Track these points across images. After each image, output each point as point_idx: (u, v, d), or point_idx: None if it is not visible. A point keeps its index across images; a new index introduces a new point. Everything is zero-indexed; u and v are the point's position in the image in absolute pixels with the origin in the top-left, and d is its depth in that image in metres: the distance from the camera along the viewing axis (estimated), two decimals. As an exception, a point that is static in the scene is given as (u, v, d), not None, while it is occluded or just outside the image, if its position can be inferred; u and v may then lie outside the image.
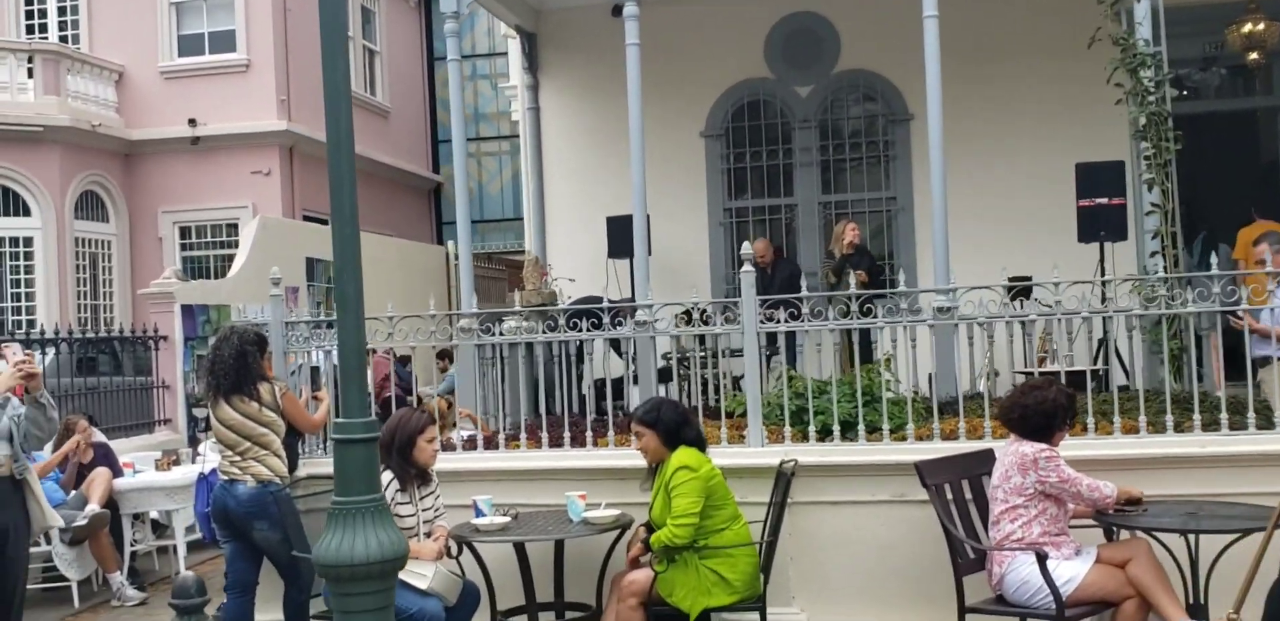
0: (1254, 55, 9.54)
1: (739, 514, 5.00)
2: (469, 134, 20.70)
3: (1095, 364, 8.52)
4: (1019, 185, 10.42)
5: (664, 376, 8.96)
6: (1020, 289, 7.54)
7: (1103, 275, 9.17)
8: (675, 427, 5.02)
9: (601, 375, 7.84)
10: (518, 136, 13.20)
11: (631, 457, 5.45)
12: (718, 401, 7.20)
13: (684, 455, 4.97)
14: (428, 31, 21.33)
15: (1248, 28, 9.44)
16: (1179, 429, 5.39)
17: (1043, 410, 4.80)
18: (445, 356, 12.03)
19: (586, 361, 7.43)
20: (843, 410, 5.96)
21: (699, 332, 6.27)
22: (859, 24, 11.10)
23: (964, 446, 5.45)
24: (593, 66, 11.42)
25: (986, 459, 5.05)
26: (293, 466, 6.05)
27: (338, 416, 3.63)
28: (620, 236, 10.32)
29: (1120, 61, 7.98)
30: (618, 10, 11.36)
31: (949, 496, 4.93)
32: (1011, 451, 4.79)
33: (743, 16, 11.23)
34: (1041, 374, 7.83)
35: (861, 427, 5.75)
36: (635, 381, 8.78)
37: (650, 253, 9.69)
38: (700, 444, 5.09)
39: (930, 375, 7.12)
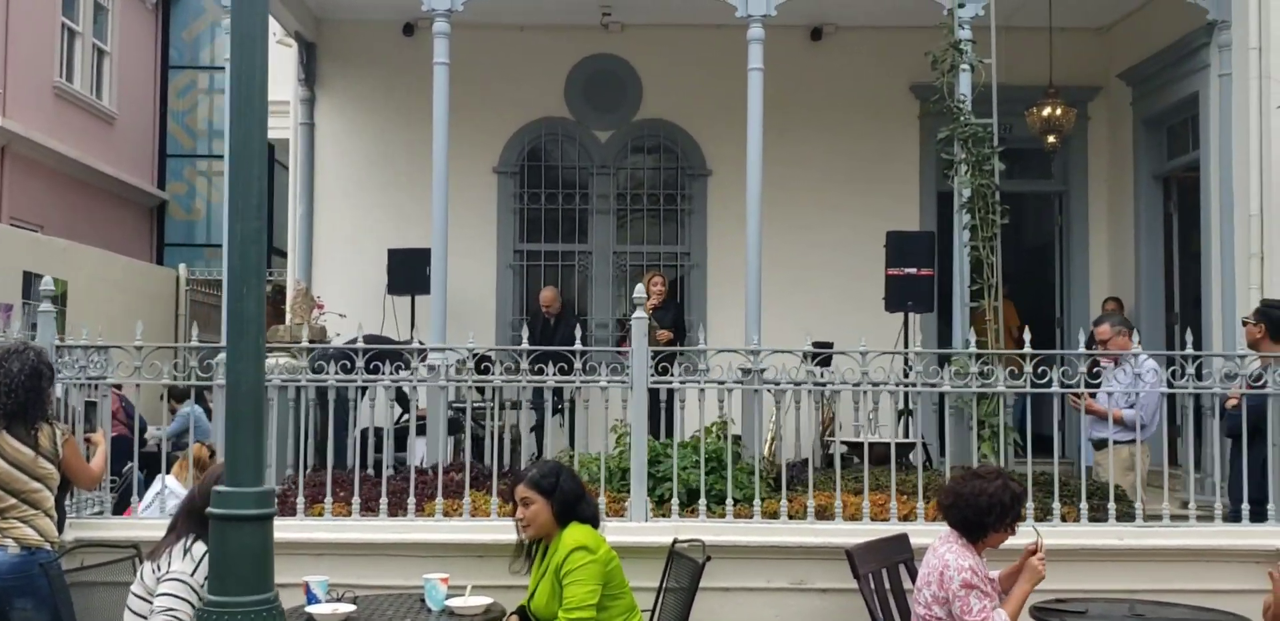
0: (1051, 138, 9.79)
1: (635, 605, 4.24)
2: (205, 150, 19.01)
3: (897, 436, 8.42)
4: (827, 250, 10.29)
5: (453, 428, 8.12)
6: (824, 355, 7.24)
7: (905, 345, 9.11)
8: (574, 500, 4.23)
9: (380, 423, 6.92)
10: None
11: (496, 531, 4.59)
12: (512, 459, 6.45)
13: (579, 533, 4.18)
14: (164, 36, 19.51)
15: (1047, 111, 9.69)
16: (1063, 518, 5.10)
17: (977, 504, 4.24)
18: (177, 395, 10.57)
19: (365, 408, 6.51)
20: (699, 479, 5.36)
21: (560, 383, 5.45)
22: (663, 73, 10.77)
23: (869, 528, 4.93)
24: (380, 85, 10.53)
25: (904, 545, 4.54)
26: (59, 528, 4.81)
27: (227, 481, 2.67)
28: (403, 271, 9.41)
29: (952, 132, 7.92)
30: (409, 29, 10.55)
31: (872, 586, 4.37)
32: (939, 554, 4.25)
33: (546, 51, 10.64)
34: (845, 443, 7.59)
35: (758, 503, 5.13)
36: (421, 432, 7.93)
37: (431, 292, 8.89)
38: (595, 521, 4.30)
39: (771, 439, 6.66)
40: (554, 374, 5.47)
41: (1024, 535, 4.23)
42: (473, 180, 10.46)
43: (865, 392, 5.85)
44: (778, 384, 5.45)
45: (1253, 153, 8.15)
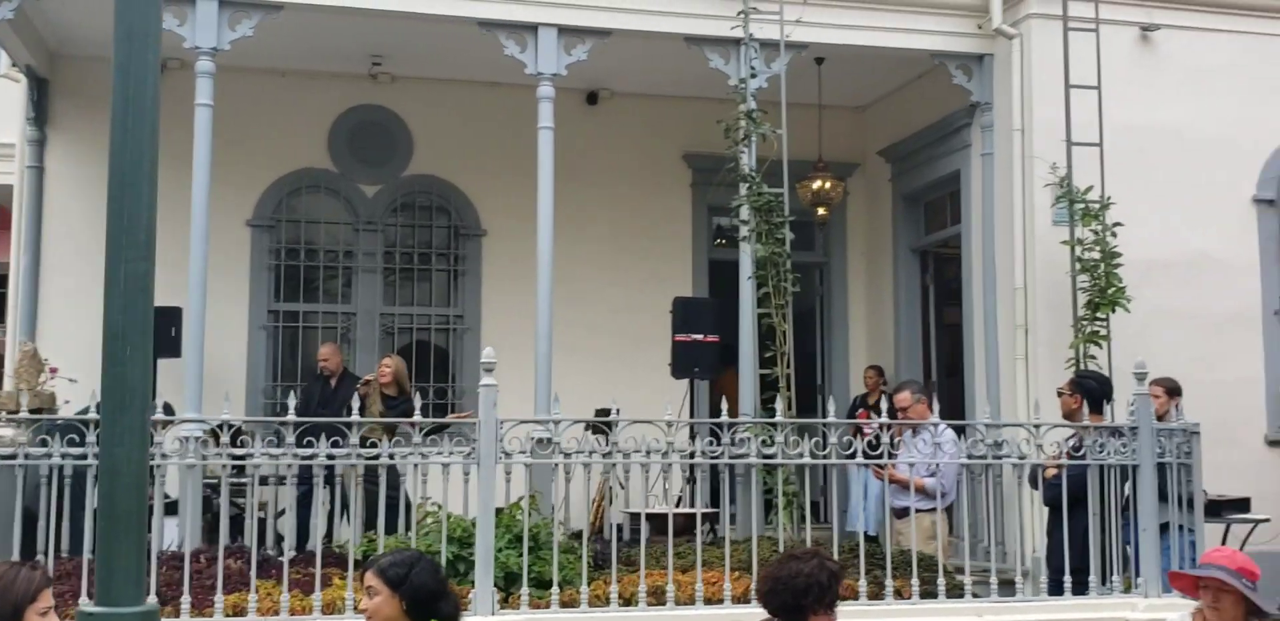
0: (821, 211, 10.04)
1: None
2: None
3: (681, 505, 8.23)
4: (608, 314, 10.06)
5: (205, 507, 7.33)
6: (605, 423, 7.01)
7: (692, 414, 8.98)
8: (428, 598, 3.68)
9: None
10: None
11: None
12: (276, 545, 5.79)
13: (442, 634, 3.65)
14: None
15: (817, 184, 9.93)
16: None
17: (794, 586, 4.02)
18: None
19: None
20: (519, 561, 4.91)
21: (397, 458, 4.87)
22: (434, 128, 10.35)
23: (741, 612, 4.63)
24: (121, 127, 9.52)
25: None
26: None
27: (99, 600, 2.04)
28: (148, 333, 8.46)
29: (746, 200, 7.93)
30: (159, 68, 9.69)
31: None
32: None
33: (309, 99, 10.02)
34: (649, 516, 7.33)
35: (603, 586, 4.71)
36: (170, 512, 7.13)
37: (180, 354, 8.10)
38: (456, 619, 3.77)
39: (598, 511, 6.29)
40: (327, 446, 4.94)
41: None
42: (223, 234, 9.57)
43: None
44: (643, 453, 5.10)
45: (1017, 229, 8.60)
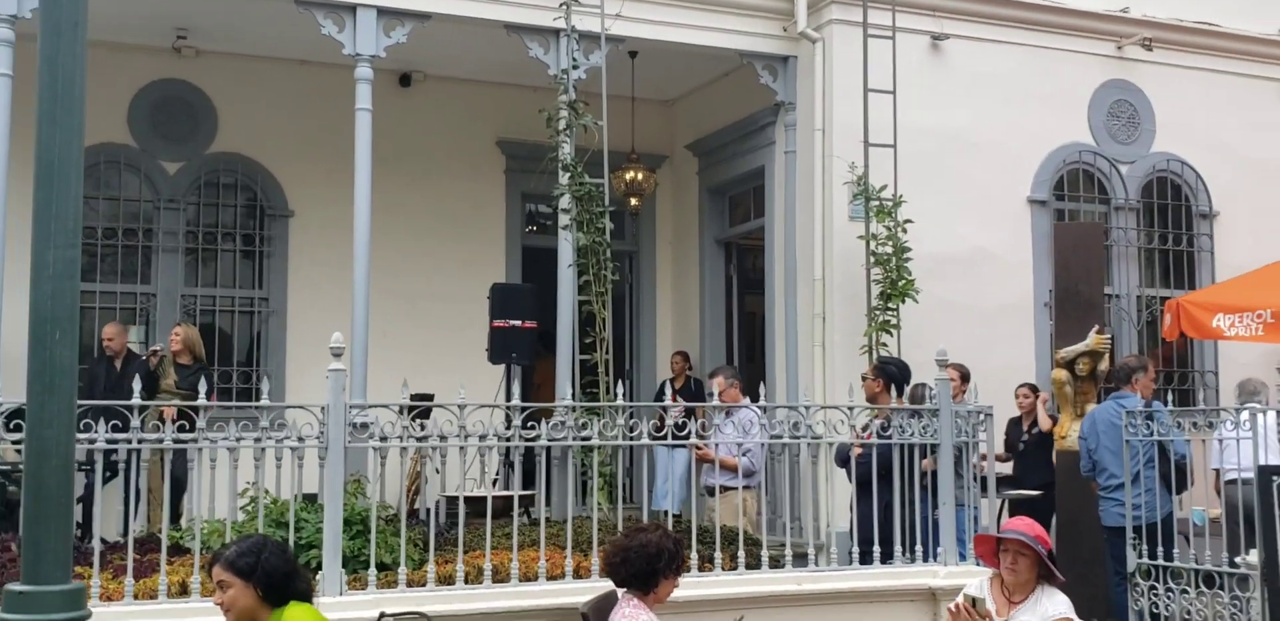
0: (634, 201, 10.32)
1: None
2: None
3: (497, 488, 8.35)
4: (422, 299, 10.04)
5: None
6: (422, 409, 7.11)
7: (508, 398, 9.07)
8: (283, 579, 3.71)
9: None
10: None
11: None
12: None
13: (303, 614, 3.67)
14: None
15: (630, 175, 10.20)
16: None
17: (647, 553, 4.38)
18: None
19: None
20: (347, 544, 4.94)
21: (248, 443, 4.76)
22: (241, 105, 10.09)
23: (586, 586, 4.79)
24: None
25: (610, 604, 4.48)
26: None
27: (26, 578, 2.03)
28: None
29: (568, 189, 8.09)
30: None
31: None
32: None
33: (108, 71, 9.54)
34: (469, 499, 7.44)
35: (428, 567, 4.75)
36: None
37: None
38: (310, 598, 3.81)
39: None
40: (107, 430, 4.75)
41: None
42: (19, 210, 9.11)
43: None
44: (479, 438, 5.19)
45: (817, 224, 9.09)
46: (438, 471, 7.48)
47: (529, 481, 7.47)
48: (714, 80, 10.61)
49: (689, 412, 6.83)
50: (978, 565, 5.43)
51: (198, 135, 9.93)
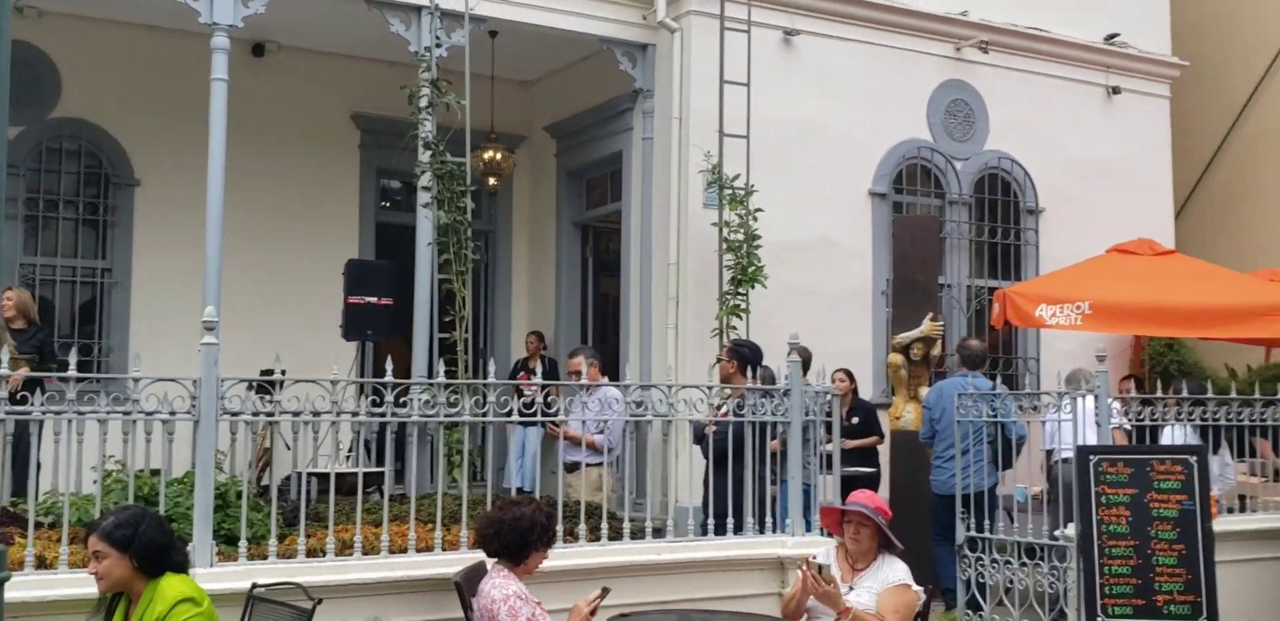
0: (492, 181, 10.37)
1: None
2: None
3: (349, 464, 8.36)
4: (273, 274, 9.90)
5: None
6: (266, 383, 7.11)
7: (361, 374, 9.07)
8: (158, 551, 3.74)
9: None
10: None
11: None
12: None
13: (181, 585, 3.71)
14: None
15: (489, 155, 10.25)
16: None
17: (520, 526, 4.57)
18: None
19: None
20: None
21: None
22: (86, 70, 9.76)
23: (451, 557, 4.90)
24: None
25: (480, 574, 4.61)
26: None
27: None
28: None
29: (430, 167, 8.12)
30: None
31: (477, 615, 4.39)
32: (485, 593, 4.43)
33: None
34: (312, 474, 7.46)
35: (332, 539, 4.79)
36: None
37: None
38: (186, 569, 3.85)
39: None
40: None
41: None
42: None
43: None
44: (346, 413, 5.20)
45: (672, 209, 9.34)
46: (289, 447, 7.47)
47: (383, 459, 7.51)
48: (574, 64, 10.74)
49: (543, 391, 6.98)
50: (823, 535, 5.77)
51: (40, 99, 9.55)
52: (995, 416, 6.96)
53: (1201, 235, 12.57)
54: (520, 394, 5.78)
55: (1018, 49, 10.97)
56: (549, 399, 5.82)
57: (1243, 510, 7.10)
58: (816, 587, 4.74)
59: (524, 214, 11.58)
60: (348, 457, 8.38)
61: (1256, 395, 7.08)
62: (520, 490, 8.71)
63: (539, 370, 9.43)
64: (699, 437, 6.49)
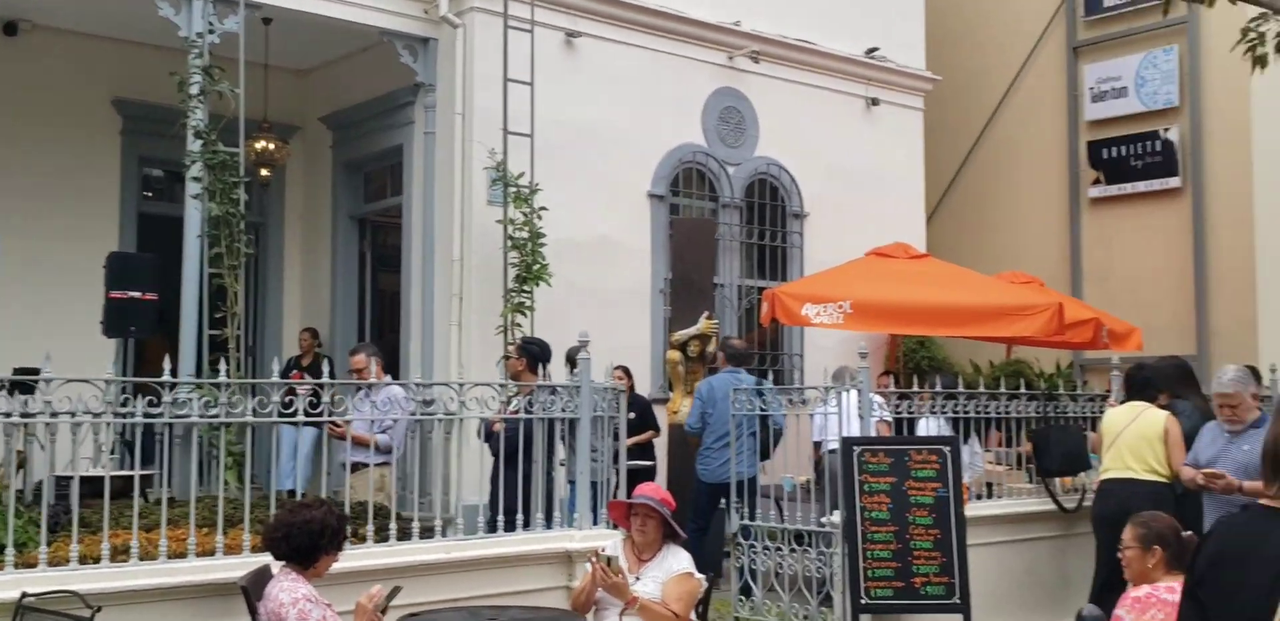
0: (265, 171, 10.05)
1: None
2: None
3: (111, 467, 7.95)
4: (20, 266, 9.26)
5: None
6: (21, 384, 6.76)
7: (124, 372, 8.61)
8: None
9: None
10: None
11: None
12: None
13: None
14: None
15: (261, 145, 9.94)
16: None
17: (310, 530, 4.48)
18: None
19: None
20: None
21: None
22: None
23: (237, 561, 4.74)
24: None
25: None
26: None
27: None
28: None
29: (200, 157, 7.85)
30: None
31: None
32: (273, 597, 4.35)
33: None
34: (81, 478, 7.11)
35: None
36: None
37: None
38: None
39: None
40: None
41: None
42: None
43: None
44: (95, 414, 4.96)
45: (456, 205, 9.32)
46: (43, 448, 7.05)
47: (149, 462, 7.19)
48: (352, 54, 10.54)
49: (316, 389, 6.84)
50: (609, 528, 5.91)
51: None
52: (765, 410, 7.30)
53: (951, 239, 13.47)
54: (293, 393, 5.65)
55: (786, 60, 11.46)
56: (335, 398, 5.73)
57: (990, 496, 7.68)
58: (605, 579, 4.87)
59: (298, 206, 11.28)
60: (111, 460, 7.98)
61: (1001, 389, 7.67)
62: (292, 493, 8.56)
63: (324, 369, 9.19)
64: (487, 435, 6.53)
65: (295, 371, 9.93)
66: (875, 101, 12.11)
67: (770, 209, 11.30)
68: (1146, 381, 7.07)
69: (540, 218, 9.08)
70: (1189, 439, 6.51)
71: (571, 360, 6.74)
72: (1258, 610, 2.63)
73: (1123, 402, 7.15)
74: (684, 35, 10.73)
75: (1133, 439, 6.74)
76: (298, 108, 11.15)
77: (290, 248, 11.19)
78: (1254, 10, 8.37)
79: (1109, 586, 6.63)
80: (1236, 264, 11.99)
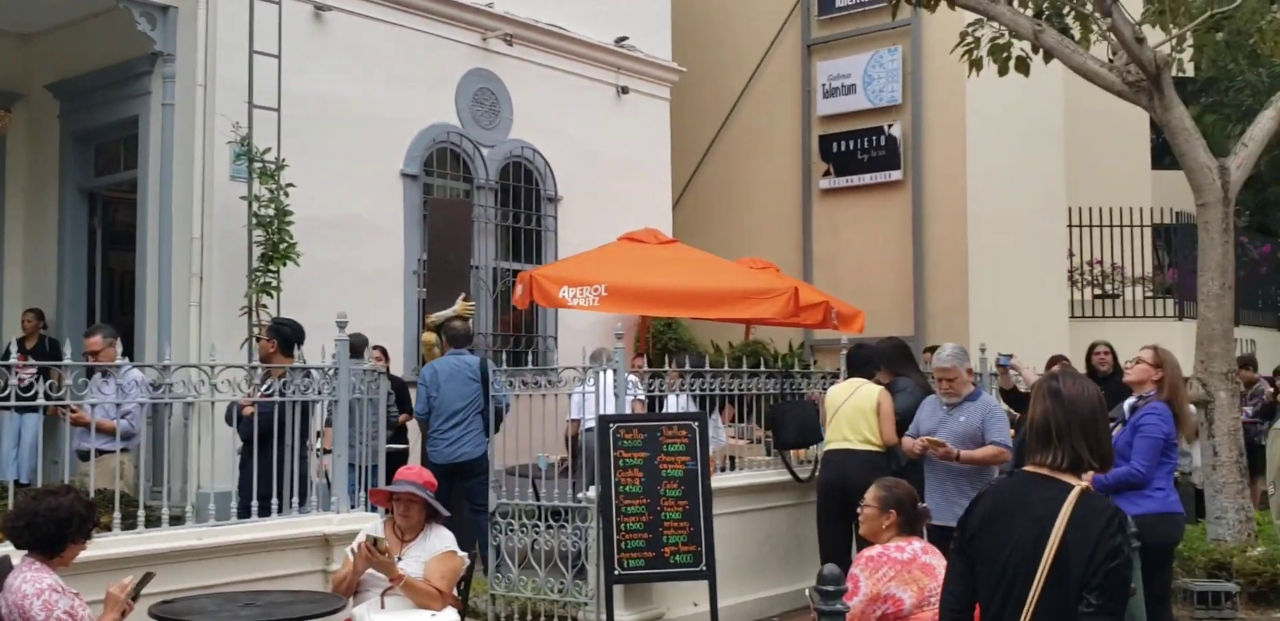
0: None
1: None
2: None
3: None
4: None
5: None
6: None
7: None
8: None
9: None
10: None
11: None
12: None
13: None
14: None
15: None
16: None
17: (57, 518, 4.29)
18: None
19: None
20: None
21: None
22: None
23: None
24: None
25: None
26: None
27: None
28: None
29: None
30: None
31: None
32: (15, 589, 4.14)
33: None
34: None
35: None
36: None
37: None
38: None
39: None
40: None
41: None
42: None
43: None
44: None
45: (197, 180, 8.93)
46: None
47: None
48: (83, 19, 9.89)
49: (43, 372, 6.48)
50: (369, 511, 5.91)
51: None
52: (497, 391, 7.40)
53: (695, 224, 13.98)
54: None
55: (540, 44, 11.57)
56: (79, 381, 5.48)
57: (733, 469, 8.09)
58: (374, 558, 4.90)
59: (20, 179, 10.52)
60: None
61: (743, 368, 8.08)
62: (19, 482, 8.03)
63: (65, 351, 8.64)
64: (236, 419, 6.35)
65: (20, 354, 9.31)
66: (625, 89, 12.40)
67: (525, 192, 11.39)
68: (865, 359, 7.67)
69: (287, 194, 8.82)
70: (909, 413, 7.10)
71: (357, 349, 6.61)
72: (1023, 559, 3.06)
73: (845, 379, 7.72)
74: (437, 14, 10.66)
75: (850, 412, 7.31)
76: (21, 74, 10.39)
77: (12, 223, 10.42)
78: (971, 15, 9.15)
79: (832, 545, 7.20)
80: (951, 252, 13.03)
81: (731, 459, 8.25)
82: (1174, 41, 9.01)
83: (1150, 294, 14.85)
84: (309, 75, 9.47)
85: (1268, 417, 11.48)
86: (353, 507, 5.99)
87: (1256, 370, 12.22)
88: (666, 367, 7.92)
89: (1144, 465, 5.68)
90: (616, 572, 6.68)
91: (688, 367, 7.78)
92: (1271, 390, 11.68)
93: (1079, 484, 3.12)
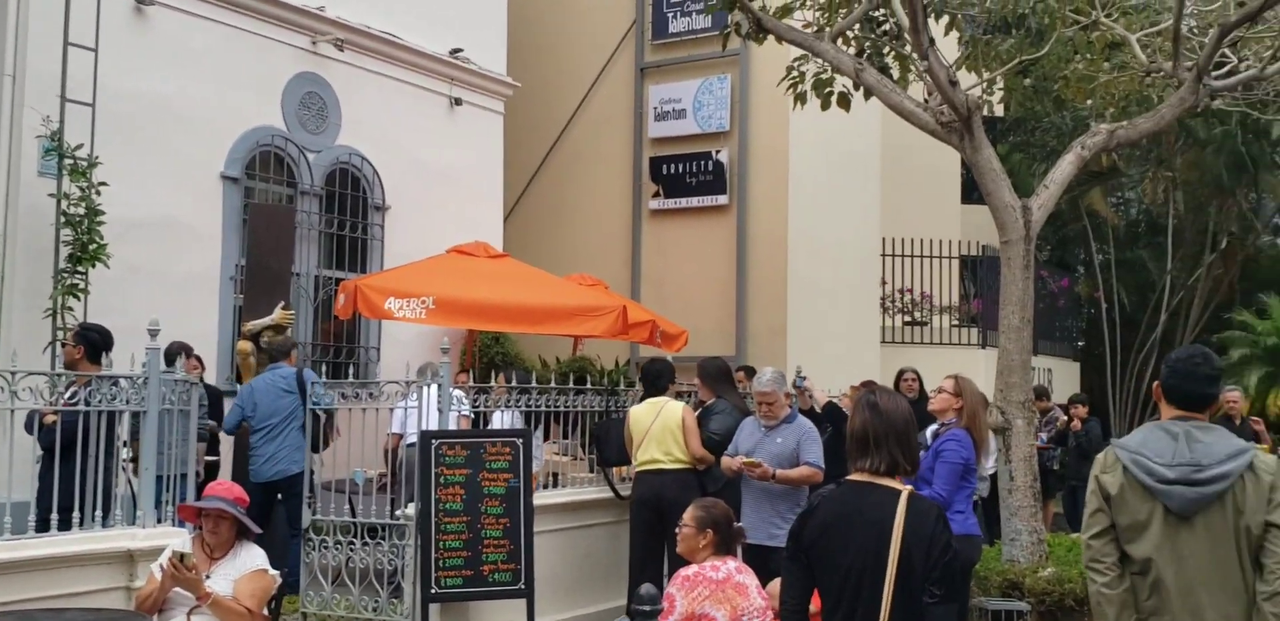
0: None
1: None
2: None
3: None
4: None
5: None
6: None
7: None
8: None
9: None
10: None
11: None
12: None
13: None
14: None
15: None
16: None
17: None
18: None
19: None
20: None
21: None
22: None
23: None
24: None
25: None
26: None
27: None
28: None
29: None
30: None
31: None
32: None
33: None
34: None
35: None
36: None
37: None
38: None
39: None
40: None
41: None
42: None
43: None
44: None
45: (1, 176, 8.45)
46: None
47: None
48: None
49: None
50: (175, 526, 5.69)
51: None
52: (317, 404, 7.25)
53: (526, 239, 13.98)
54: None
55: (371, 51, 11.41)
56: None
57: (555, 486, 8.10)
58: (180, 575, 4.72)
59: None
60: None
61: (570, 385, 8.12)
62: None
63: None
64: (37, 428, 6.03)
65: None
66: (459, 101, 12.33)
67: (351, 199, 11.18)
68: (658, 374, 7.85)
69: (99, 193, 8.45)
70: (729, 435, 7.26)
71: (171, 358, 6.36)
72: (868, 561, 3.31)
73: (642, 399, 7.82)
74: (265, 14, 10.40)
75: (659, 432, 7.47)
76: None
77: None
78: (797, 51, 9.46)
79: (643, 563, 7.31)
80: (771, 277, 13.40)
81: (555, 475, 8.26)
82: (985, 84, 9.51)
83: (957, 322, 15.58)
84: (128, 71, 9.12)
85: (1060, 444, 12.20)
86: (159, 522, 5.74)
87: (1049, 400, 12.96)
88: (493, 383, 7.88)
89: (945, 489, 5.96)
90: (433, 591, 6.60)
91: (514, 384, 7.76)
92: (1065, 418, 12.40)
93: (904, 488, 3.39)
